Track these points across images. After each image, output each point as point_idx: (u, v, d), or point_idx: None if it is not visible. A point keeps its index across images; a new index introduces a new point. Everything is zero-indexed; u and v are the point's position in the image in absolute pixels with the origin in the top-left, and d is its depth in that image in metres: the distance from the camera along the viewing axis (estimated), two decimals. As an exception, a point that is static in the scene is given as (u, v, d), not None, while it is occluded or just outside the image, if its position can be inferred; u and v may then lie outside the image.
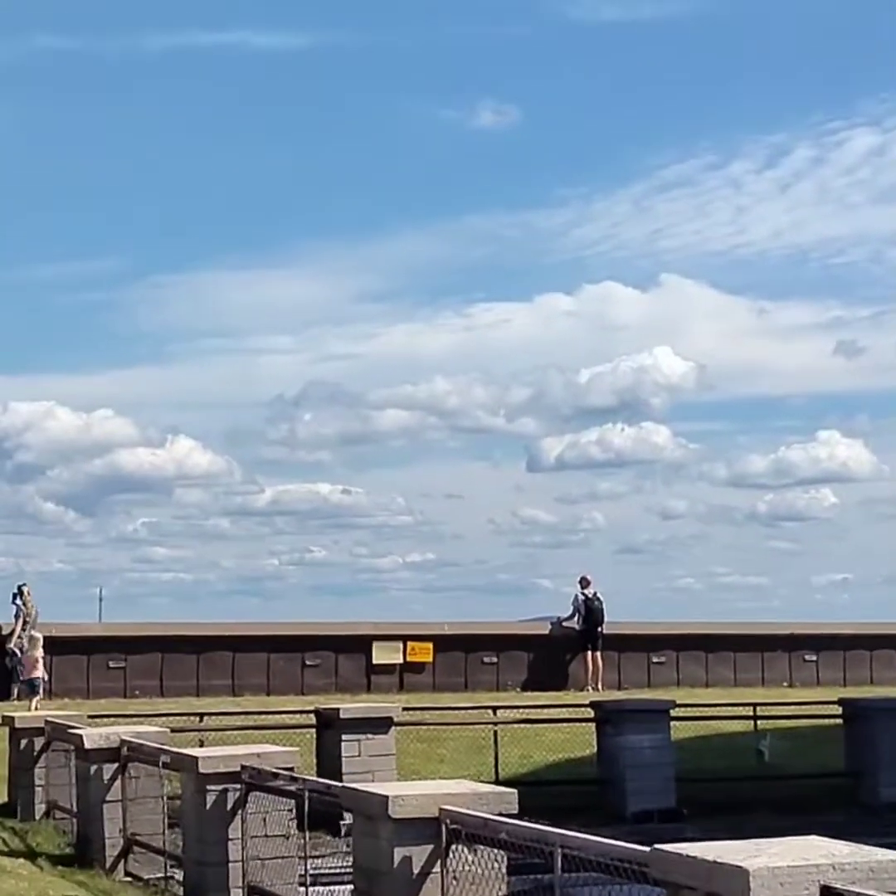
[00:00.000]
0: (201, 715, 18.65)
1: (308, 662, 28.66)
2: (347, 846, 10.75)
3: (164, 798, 13.98)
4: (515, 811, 8.68)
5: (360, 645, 29.07)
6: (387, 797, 8.90)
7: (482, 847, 8.52)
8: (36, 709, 23.83)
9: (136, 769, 14.15)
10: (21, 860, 14.10)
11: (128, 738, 14.21)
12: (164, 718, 18.48)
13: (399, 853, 8.94)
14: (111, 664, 27.43)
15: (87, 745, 14.22)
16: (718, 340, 64.51)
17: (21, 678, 26.30)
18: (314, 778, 11.88)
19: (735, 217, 72.91)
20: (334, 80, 67.01)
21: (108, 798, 14.17)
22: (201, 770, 11.69)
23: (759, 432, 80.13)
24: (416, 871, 8.98)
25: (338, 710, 18.46)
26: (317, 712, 18.83)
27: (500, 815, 8.46)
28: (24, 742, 17.08)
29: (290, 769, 11.52)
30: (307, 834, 10.96)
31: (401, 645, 29.26)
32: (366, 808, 9.24)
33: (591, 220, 71.97)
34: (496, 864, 8.57)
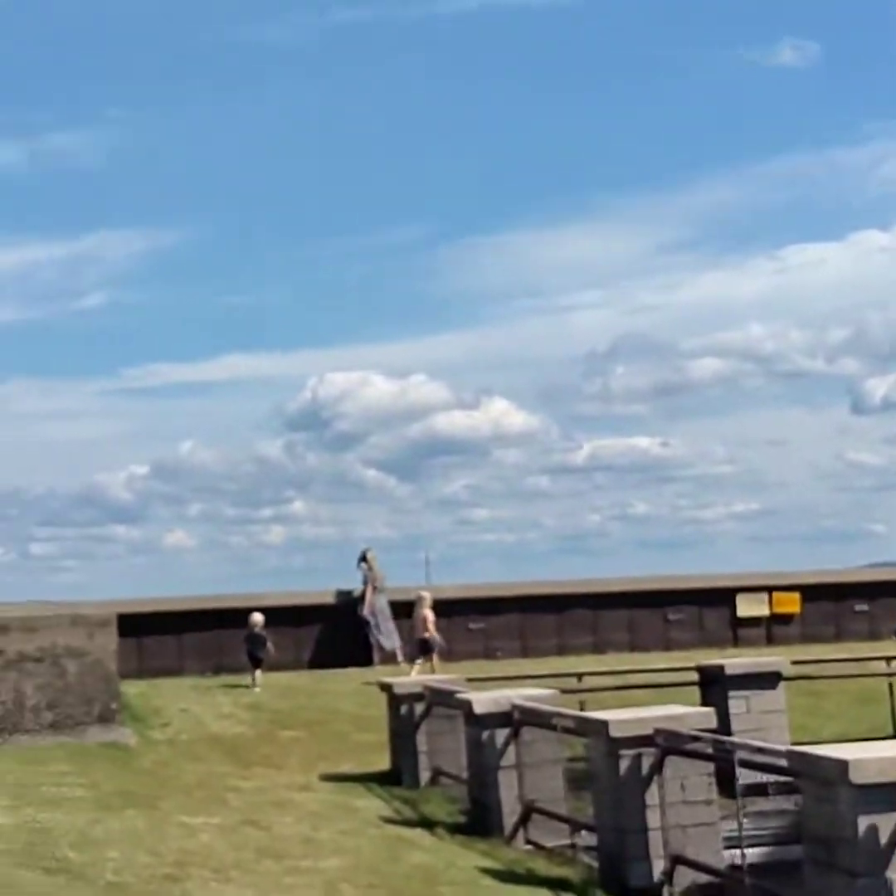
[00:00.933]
0: (579, 675, 17.87)
1: (670, 617, 27.69)
2: (744, 807, 9.90)
3: (563, 763, 13.32)
4: None
5: (723, 598, 27.94)
6: (846, 762, 7.96)
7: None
8: (431, 671, 23.54)
9: (531, 733, 13.47)
10: (419, 830, 13.59)
11: (519, 702, 13.52)
12: (543, 679, 17.78)
13: (863, 821, 7.99)
14: (471, 626, 27.04)
15: (478, 711, 13.59)
16: None
17: (381, 643, 26.15)
18: (744, 740, 10.90)
19: None
20: (626, 30, 65.22)
21: (502, 763, 13.52)
22: (612, 734, 10.88)
23: None
24: (883, 840, 8.01)
25: (722, 665, 17.40)
26: (700, 669, 17.82)
27: None
28: (404, 708, 16.64)
29: (712, 731, 10.62)
30: (740, 800, 10.02)
31: (766, 596, 27.99)
32: (820, 772, 8.30)
33: None
34: None
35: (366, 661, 25.97)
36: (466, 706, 13.78)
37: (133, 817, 12.58)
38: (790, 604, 27.92)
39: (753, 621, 27.85)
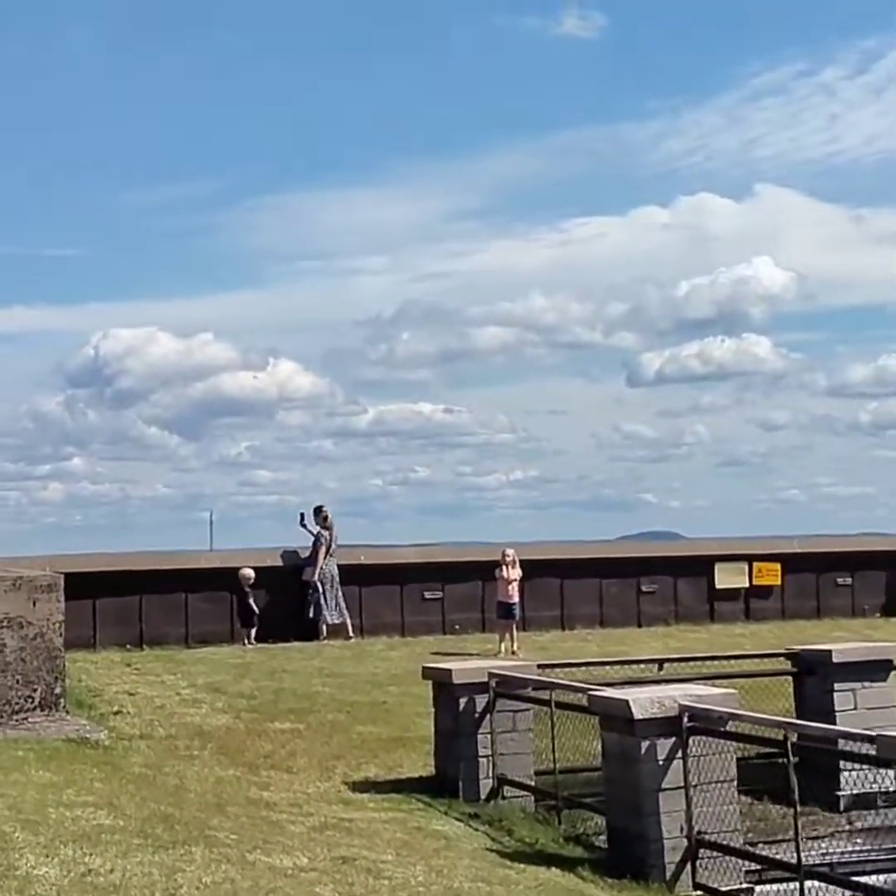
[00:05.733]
0: (657, 661, 14.78)
1: (644, 588, 24.83)
2: None
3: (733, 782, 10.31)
4: None
5: (700, 567, 25.18)
6: None
7: None
8: (512, 650, 20.72)
9: (702, 745, 10.39)
10: (555, 870, 10.38)
11: (689, 703, 10.41)
12: (617, 668, 14.72)
13: None
14: (427, 595, 23.81)
15: (638, 715, 10.41)
16: (816, 249, 59.71)
17: (327, 615, 22.80)
18: None
19: (828, 124, 67.58)
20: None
21: (664, 785, 10.40)
22: None
23: (859, 341, 75.44)
24: None
25: (829, 651, 14.54)
26: (794, 655, 14.95)
27: None
28: (463, 701, 13.39)
29: None
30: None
31: (746, 566, 25.33)
32: None
33: (681, 131, 67.25)
34: None
35: (309, 634, 22.57)
36: (621, 708, 10.57)
37: (202, 859, 9.12)
38: (771, 575, 25.31)
39: (731, 594, 25.17)
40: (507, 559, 21.52)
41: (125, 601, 22.03)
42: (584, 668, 14.47)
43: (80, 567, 20.79)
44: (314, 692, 17.69)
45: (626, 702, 10.50)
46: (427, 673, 14.09)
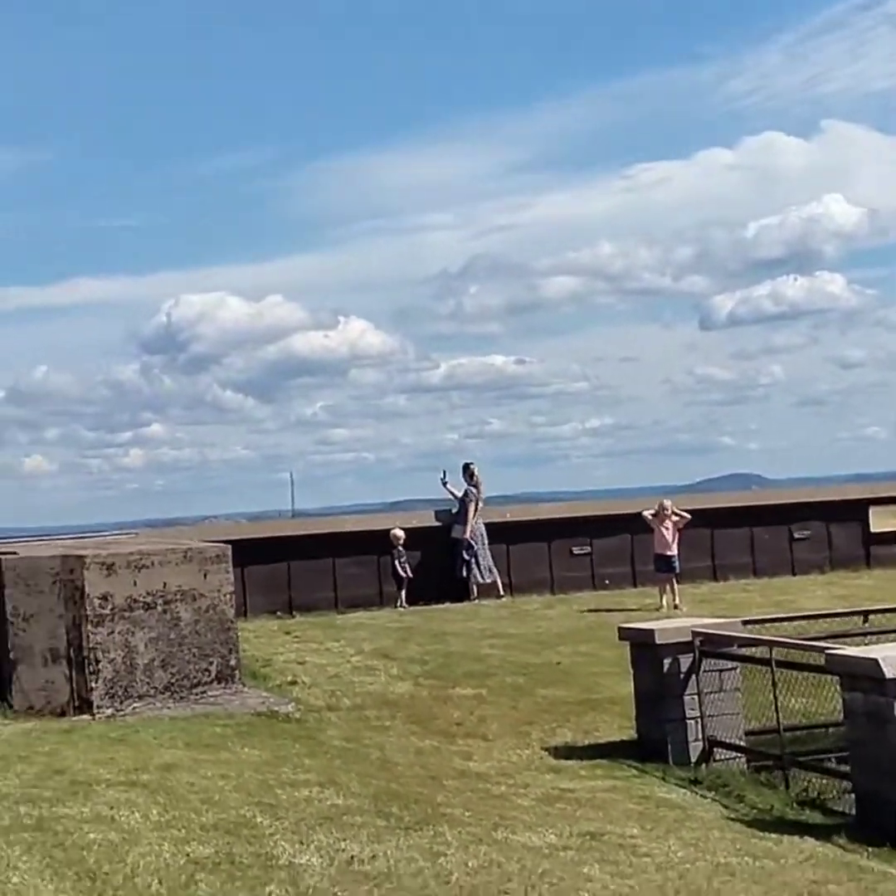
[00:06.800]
0: (862, 613, 14.15)
1: (796, 535, 24.13)
2: None
3: None
4: None
5: (854, 511, 24.43)
6: None
7: None
8: (674, 604, 20.22)
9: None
10: (808, 839, 9.82)
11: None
12: (812, 621, 14.10)
13: None
14: (575, 550, 23.27)
15: (888, 674, 9.80)
16: (888, 183, 57.84)
17: (477, 574, 22.33)
18: None
19: (894, 55, 65.34)
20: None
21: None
22: None
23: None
24: None
25: None
26: None
27: None
28: (667, 662, 12.85)
29: None
30: None
31: (901, 508, 24.54)
32: None
33: (741, 72, 65.40)
34: None
35: (460, 594, 22.11)
36: (870, 668, 9.96)
37: (456, 841, 8.68)
38: (927, 517, 24.49)
39: (888, 537, 24.39)
40: (666, 511, 20.92)
41: (273, 568, 21.67)
42: (788, 623, 13.84)
43: (224, 535, 20.47)
44: (484, 655, 17.22)
45: (876, 661, 9.90)
46: (624, 633, 13.56)
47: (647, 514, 20.93)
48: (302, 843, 8.25)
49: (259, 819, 8.80)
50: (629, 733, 13.50)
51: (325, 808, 9.27)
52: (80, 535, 19.90)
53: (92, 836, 8.13)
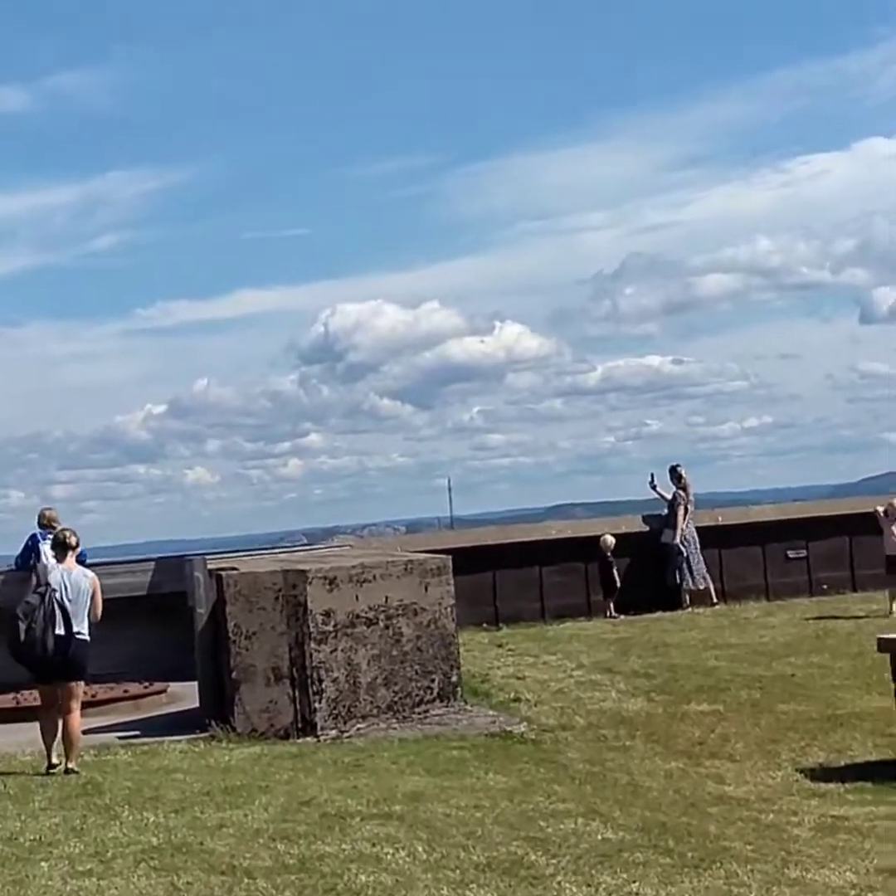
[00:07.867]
0: None
1: None
2: None
3: None
4: None
5: None
6: None
7: None
8: None
9: None
10: None
11: None
12: None
13: None
14: (790, 554, 22.27)
15: None
16: None
17: (689, 581, 21.48)
18: None
19: None
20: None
21: None
22: None
23: None
24: None
25: None
26: None
27: None
28: (934, 675, 11.92)
29: None
30: None
31: None
32: None
33: None
34: None
35: (671, 602, 21.27)
36: None
37: (753, 882, 7.91)
38: None
39: None
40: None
41: (478, 578, 21.07)
42: None
43: (424, 545, 19.95)
44: (711, 668, 16.40)
45: None
46: (884, 644, 12.64)
47: (879, 510, 19.81)
48: (588, 885, 7.56)
49: (532, 857, 8.14)
50: (886, 752, 12.59)
51: (599, 844, 8.57)
52: (294, 548, 19.54)
53: (363, 878, 7.54)
